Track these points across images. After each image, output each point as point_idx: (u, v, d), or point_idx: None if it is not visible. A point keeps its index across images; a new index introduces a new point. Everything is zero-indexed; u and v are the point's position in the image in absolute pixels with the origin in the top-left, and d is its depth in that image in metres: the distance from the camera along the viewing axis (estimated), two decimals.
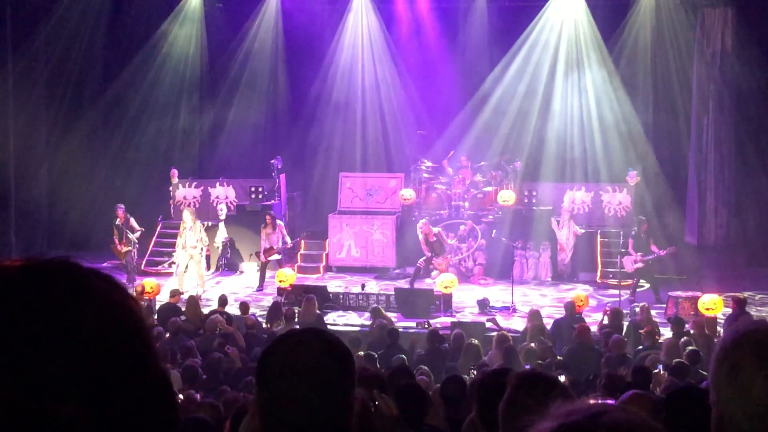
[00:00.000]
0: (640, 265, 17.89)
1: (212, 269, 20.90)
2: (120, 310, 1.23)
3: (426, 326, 14.37)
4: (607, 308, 14.92)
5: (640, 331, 13.33)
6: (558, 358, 11.90)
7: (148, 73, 23.11)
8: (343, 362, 2.11)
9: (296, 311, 14.79)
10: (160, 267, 20.65)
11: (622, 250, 18.39)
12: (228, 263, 21.29)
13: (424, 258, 18.99)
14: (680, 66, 21.66)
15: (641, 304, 14.94)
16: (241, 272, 21.02)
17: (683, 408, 4.48)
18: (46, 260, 1.24)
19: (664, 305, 16.90)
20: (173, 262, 19.41)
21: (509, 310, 17.06)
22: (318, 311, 15.39)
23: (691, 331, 13.29)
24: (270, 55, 23.79)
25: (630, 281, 18.15)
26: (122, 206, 19.46)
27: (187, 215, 18.93)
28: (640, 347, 12.80)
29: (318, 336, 2.15)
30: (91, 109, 22.64)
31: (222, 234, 21.03)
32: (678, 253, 18.55)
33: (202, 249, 18.91)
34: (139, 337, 1.24)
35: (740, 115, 20.76)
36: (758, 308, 17.26)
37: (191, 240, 18.64)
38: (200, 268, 18.92)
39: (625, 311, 15.22)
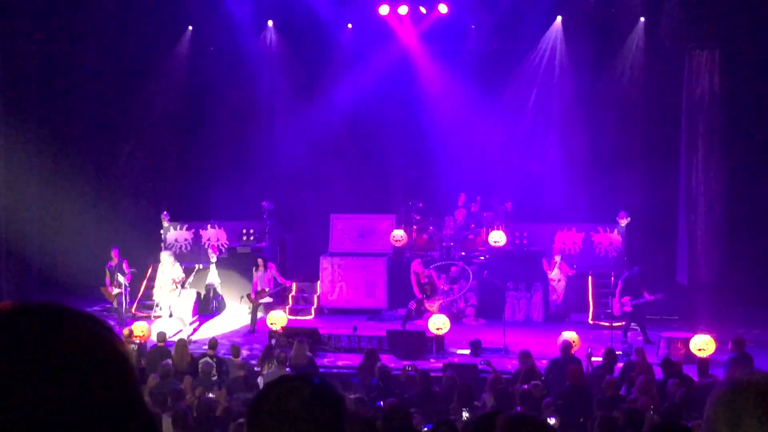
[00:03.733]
0: (627, 308, 17.87)
1: (203, 311, 20.82)
2: (106, 352, 1.27)
3: (409, 368, 14.28)
4: (589, 351, 14.84)
5: (631, 373, 13.29)
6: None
7: (138, 117, 23.18)
8: (334, 409, 2.10)
9: (286, 355, 14.69)
10: (150, 310, 20.56)
11: (612, 291, 18.42)
12: (219, 306, 21.21)
13: (416, 300, 18.97)
14: (669, 107, 21.80)
15: (637, 347, 14.91)
16: (232, 315, 20.93)
17: None
18: (33, 304, 1.28)
19: (654, 344, 16.92)
20: (157, 305, 19.40)
21: (501, 351, 17.00)
22: (309, 354, 15.32)
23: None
24: (262, 98, 23.88)
25: (622, 323, 18.12)
26: (117, 248, 19.46)
27: (165, 257, 18.96)
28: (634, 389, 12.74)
29: (309, 382, 2.14)
30: (82, 152, 22.66)
31: (213, 277, 21.00)
32: (667, 295, 18.54)
33: (179, 291, 18.93)
34: (123, 376, 1.28)
35: (729, 155, 20.87)
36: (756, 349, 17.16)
37: (167, 281, 18.60)
38: (179, 310, 18.85)
39: (618, 353, 15.18)
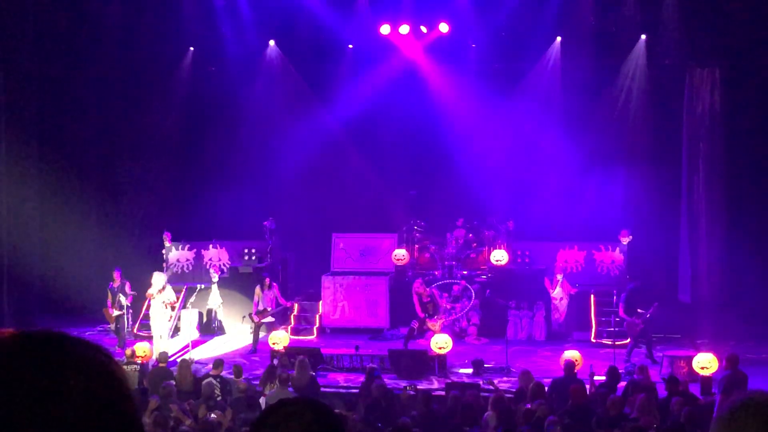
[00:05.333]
0: (641, 326, 17.83)
1: (205, 331, 20.79)
2: (104, 377, 1.28)
3: (409, 388, 14.25)
4: (591, 371, 14.79)
5: (635, 392, 13.23)
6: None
7: (139, 138, 23.22)
8: None
9: (288, 375, 14.65)
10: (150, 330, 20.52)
11: (615, 309, 18.41)
12: (220, 326, 21.19)
13: (418, 319, 18.95)
14: (670, 124, 21.83)
15: (640, 365, 14.90)
16: (234, 335, 20.89)
17: None
18: (33, 332, 1.29)
19: (658, 363, 16.89)
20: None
21: (504, 370, 16.97)
22: (312, 373, 15.30)
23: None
24: (264, 118, 23.90)
25: (626, 341, 18.08)
26: (119, 269, 19.42)
27: (157, 278, 18.72)
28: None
29: (309, 406, 2.13)
30: (83, 173, 22.67)
31: (215, 297, 20.98)
32: (670, 313, 18.52)
33: (170, 313, 18.88)
34: (122, 402, 1.30)
35: (731, 173, 20.90)
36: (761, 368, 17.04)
37: (159, 303, 18.52)
38: (164, 330, 18.79)
39: (620, 371, 15.13)
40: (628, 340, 18.25)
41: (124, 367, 15.32)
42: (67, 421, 1.20)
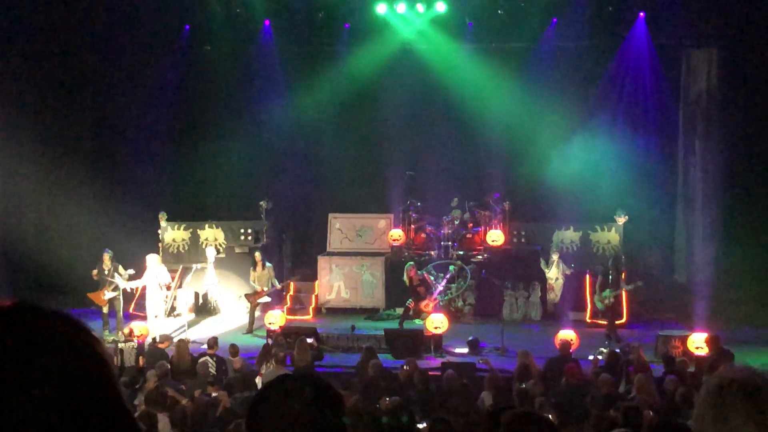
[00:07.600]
0: (611, 300, 18.02)
1: (201, 311, 20.80)
2: (82, 352, 1.24)
3: (406, 367, 14.27)
4: (595, 356, 14.83)
5: (630, 368, 13.28)
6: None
7: (135, 117, 23.12)
8: (335, 408, 2.09)
9: (285, 354, 14.64)
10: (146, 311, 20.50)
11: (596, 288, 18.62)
12: (216, 305, 21.18)
13: (412, 300, 18.98)
14: (666, 105, 21.80)
15: (633, 345, 14.95)
16: (230, 314, 20.89)
17: None
18: (9, 304, 1.24)
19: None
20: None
21: (499, 350, 17.01)
22: (314, 352, 15.36)
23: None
24: (259, 97, 23.82)
25: (622, 320, 18.14)
26: (109, 251, 19.27)
27: (152, 259, 18.78)
28: (631, 386, 12.73)
29: (309, 382, 2.13)
30: (78, 153, 22.59)
31: (211, 277, 20.96)
32: (664, 292, 18.58)
33: (166, 295, 18.93)
34: (102, 377, 1.26)
35: (726, 153, 20.88)
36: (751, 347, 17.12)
37: (153, 284, 18.51)
38: (159, 310, 18.84)
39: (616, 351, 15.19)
40: (624, 319, 18.35)
41: (122, 345, 15.36)
42: (41, 399, 1.16)
